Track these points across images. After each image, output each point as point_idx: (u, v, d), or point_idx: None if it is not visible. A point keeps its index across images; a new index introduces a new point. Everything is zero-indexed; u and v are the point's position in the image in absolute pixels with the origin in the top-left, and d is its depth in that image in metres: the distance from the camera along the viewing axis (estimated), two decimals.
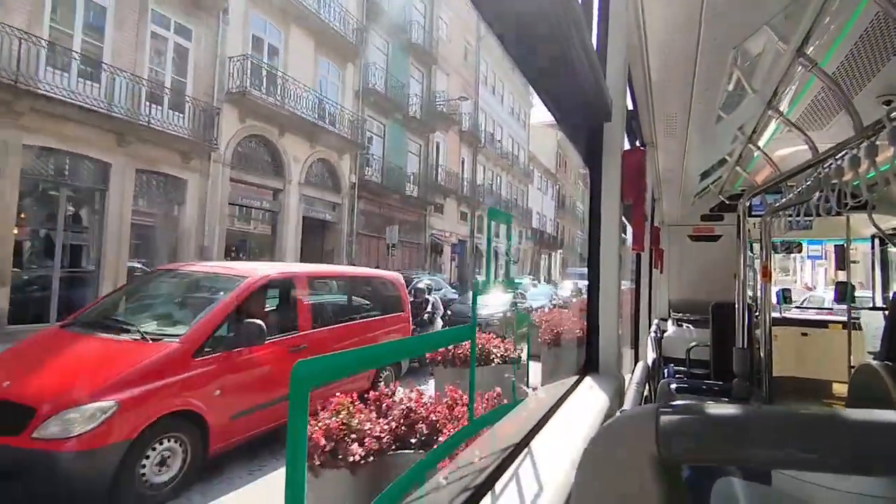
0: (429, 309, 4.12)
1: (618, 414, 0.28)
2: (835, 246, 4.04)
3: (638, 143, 1.65)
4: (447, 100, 14.62)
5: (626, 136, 0.95)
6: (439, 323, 4.12)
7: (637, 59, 1.04)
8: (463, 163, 17.67)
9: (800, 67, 1.01)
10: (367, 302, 3.22)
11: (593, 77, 0.57)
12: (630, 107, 1.34)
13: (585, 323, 0.81)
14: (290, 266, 3.69)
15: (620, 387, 0.82)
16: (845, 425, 0.21)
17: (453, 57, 15.40)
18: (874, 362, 1.18)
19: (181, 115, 6.50)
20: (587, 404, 0.67)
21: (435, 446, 1.36)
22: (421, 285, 4.36)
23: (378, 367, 3.17)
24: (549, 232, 25.12)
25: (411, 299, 3.72)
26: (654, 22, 0.88)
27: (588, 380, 0.78)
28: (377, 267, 9.90)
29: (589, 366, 0.83)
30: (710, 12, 0.81)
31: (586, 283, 0.82)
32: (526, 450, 0.53)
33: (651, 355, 1.96)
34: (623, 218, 0.85)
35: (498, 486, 0.45)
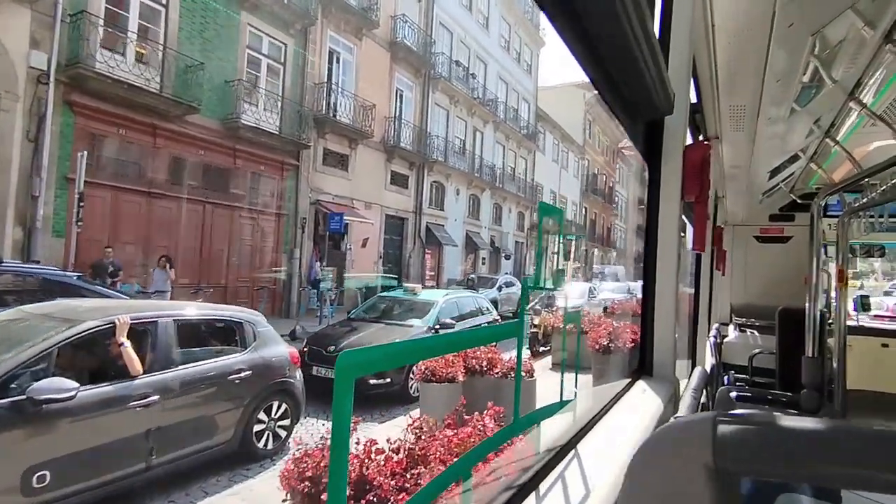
0: None
1: (672, 420, 0.46)
2: None
3: (701, 137, 2.62)
4: None
5: (688, 129, 1.69)
6: None
7: (702, 48, 1.74)
8: (399, 97, 18.75)
9: (888, 55, 1.74)
10: None
11: (655, 68, 1.06)
12: (693, 99, 2.20)
13: (640, 325, 1.45)
14: None
15: (675, 392, 1.41)
16: None
17: None
18: None
19: None
20: (639, 409, 1.23)
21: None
22: None
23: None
24: (567, 218, 31.00)
25: None
26: (723, 7, 1.58)
27: (640, 383, 1.38)
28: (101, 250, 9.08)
29: (642, 369, 1.45)
30: None
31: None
32: (572, 452, 0.99)
33: (710, 361, 3.01)
34: (683, 216, 1.50)
35: (543, 486, 0.86)
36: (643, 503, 0.46)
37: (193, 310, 5.22)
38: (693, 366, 2.66)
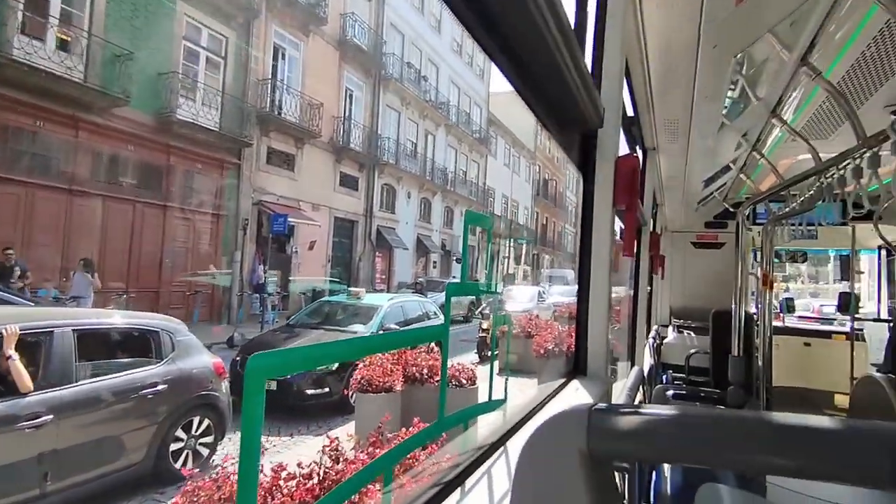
0: None
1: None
2: (840, 256, 6.76)
3: (639, 148, 2.79)
4: None
5: (625, 140, 1.71)
6: None
7: (637, 65, 1.83)
8: (349, 96, 18.57)
9: (804, 76, 1.88)
10: None
11: (583, 86, 1.13)
12: (631, 112, 2.26)
13: (574, 326, 1.51)
14: None
15: (608, 391, 1.49)
16: (779, 428, 0.41)
17: None
18: (877, 374, 2.37)
19: None
20: None
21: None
22: None
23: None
24: (519, 222, 32.68)
25: None
26: (653, 28, 1.67)
27: (574, 383, 1.44)
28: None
29: (576, 369, 1.51)
30: (710, 20, 1.54)
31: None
32: (501, 449, 1.03)
33: (648, 361, 3.22)
34: (620, 221, 1.54)
35: (469, 482, 0.90)
36: (527, 487, 0.50)
37: (101, 318, 4.88)
38: (632, 366, 2.80)
